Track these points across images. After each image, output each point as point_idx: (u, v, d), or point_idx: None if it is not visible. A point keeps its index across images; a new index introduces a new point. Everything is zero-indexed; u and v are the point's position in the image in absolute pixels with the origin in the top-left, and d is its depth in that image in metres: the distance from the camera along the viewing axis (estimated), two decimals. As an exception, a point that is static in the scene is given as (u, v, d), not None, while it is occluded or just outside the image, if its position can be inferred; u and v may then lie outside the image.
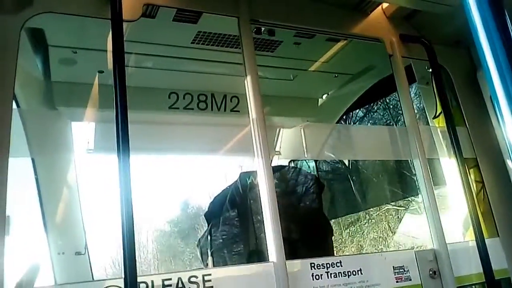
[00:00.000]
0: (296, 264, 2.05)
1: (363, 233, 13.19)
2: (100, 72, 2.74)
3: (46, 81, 2.79)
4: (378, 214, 13.05)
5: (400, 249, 10.28)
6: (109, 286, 1.69)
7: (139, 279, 1.65)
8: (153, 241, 17.63)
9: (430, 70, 2.81)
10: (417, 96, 3.59)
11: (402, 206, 12.28)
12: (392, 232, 12.76)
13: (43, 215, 2.81)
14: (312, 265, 2.07)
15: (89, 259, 2.95)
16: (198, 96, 3.12)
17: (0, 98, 1.72)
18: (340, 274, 2.12)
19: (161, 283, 1.76)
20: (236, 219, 2.80)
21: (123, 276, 1.61)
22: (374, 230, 13.17)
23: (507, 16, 0.95)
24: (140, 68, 2.87)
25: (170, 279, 1.79)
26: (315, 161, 3.82)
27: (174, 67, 3.02)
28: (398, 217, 12.63)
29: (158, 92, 3.07)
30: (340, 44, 3.01)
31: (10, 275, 1.59)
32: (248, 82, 2.24)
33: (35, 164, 2.77)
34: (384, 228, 12.97)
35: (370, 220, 13.35)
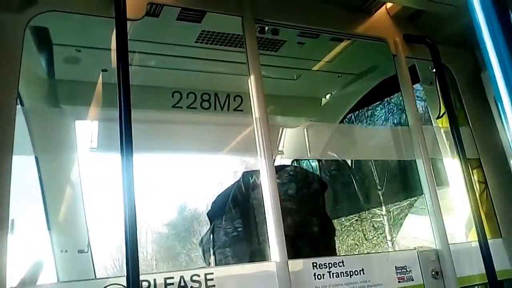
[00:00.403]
0: (298, 264, 2.05)
1: (342, 239, 13.89)
2: (104, 70, 2.75)
3: (50, 80, 2.80)
4: (352, 223, 13.85)
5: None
6: (112, 284, 1.69)
7: (141, 278, 1.65)
8: (151, 243, 17.78)
9: (434, 70, 2.81)
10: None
11: (366, 218, 13.35)
12: (366, 240, 13.39)
13: (46, 213, 2.83)
14: (314, 264, 2.07)
15: (92, 257, 2.96)
16: (202, 95, 3.13)
17: (4, 97, 1.73)
18: (342, 274, 2.11)
19: (163, 282, 1.77)
20: (239, 218, 2.80)
21: (125, 274, 1.61)
22: (351, 237, 14.12)
23: (512, 17, 0.95)
24: (144, 67, 2.87)
25: (173, 277, 1.79)
26: (318, 161, 3.81)
27: (178, 66, 3.02)
28: (373, 226, 13.68)
29: (161, 91, 3.08)
30: (343, 44, 3.01)
31: (13, 273, 1.60)
32: (252, 81, 2.24)
33: (39, 162, 2.79)
34: (360, 236, 13.94)
35: (348, 227, 13.98)
